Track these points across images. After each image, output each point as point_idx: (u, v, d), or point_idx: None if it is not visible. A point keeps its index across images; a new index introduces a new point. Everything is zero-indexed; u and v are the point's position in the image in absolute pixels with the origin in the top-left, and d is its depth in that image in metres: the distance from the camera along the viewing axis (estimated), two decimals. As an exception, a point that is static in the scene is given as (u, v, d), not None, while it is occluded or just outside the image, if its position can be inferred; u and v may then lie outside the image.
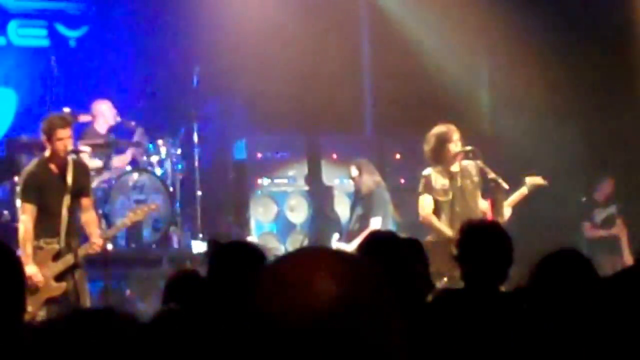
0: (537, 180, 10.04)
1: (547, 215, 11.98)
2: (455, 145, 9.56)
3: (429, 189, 9.56)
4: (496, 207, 9.73)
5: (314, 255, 1.70)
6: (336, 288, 1.63)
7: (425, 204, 9.57)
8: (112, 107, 11.90)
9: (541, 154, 12.50)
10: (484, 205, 9.75)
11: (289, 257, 1.72)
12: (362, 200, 11.17)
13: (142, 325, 3.91)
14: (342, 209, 12.24)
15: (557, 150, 12.69)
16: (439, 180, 9.56)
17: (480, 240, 4.96)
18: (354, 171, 11.23)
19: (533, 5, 12.76)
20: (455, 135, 9.59)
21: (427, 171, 9.64)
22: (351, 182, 11.48)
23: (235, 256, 4.74)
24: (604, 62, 12.72)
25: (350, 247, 10.76)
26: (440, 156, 9.56)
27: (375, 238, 5.13)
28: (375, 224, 10.81)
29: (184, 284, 5.19)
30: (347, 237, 11.16)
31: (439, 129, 9.65)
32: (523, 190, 9.93)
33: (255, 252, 4.86)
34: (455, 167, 9.63)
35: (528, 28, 12.54)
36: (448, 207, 9.51)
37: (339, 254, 1.71)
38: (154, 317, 4.68)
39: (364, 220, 11.02)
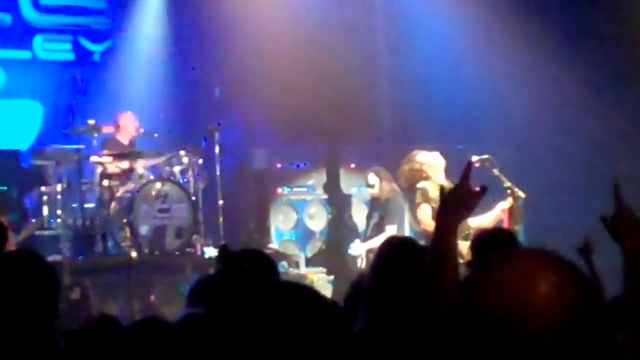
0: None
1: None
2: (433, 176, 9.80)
3: (427, 199, 9.73)
4: (513, 215, 9.85)
5: (537, 260, 1.63)
6: (560, 295, 1.58)
7: (425, 213, 9.73)
8: (134, 118, 12.07)
9: (559, 161, 12.55)
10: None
11: (507, 259, 1.66)
12: (379, 208, 11.21)
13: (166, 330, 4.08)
14: (360, 216, 12.27)
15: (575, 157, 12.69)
16: (434, 191, 9.71)
17: (494, 248, 5.13)
18: (373, 178, 11.27)
19: (554, 10, 12.82)
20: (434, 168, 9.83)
21: (422, 184, 9.82)
22: (368, 189, 11.54)
23: (246, 263, 4.94)
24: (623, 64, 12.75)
25: (365, 247, 10.92)
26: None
27: (394, 243, 5.21)
28: (391, 231, 10.91)
29: (207, 288, 5.36)
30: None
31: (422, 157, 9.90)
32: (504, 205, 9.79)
33: (266, 260, 5.06)
34: (444, 182, 9.72)
35: (547, 32, 12.54)
36: None
37: (560, 259, 1.65)
38: (176, 322, 4.85)
39: (380, 227, 11.10)
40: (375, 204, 11.27)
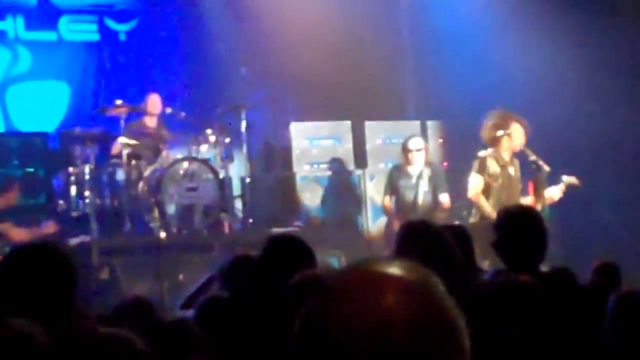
0: (572, 179, 10.01)
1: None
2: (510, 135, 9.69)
3: (483, 170, 9.68)
4: (537, 189, 9.82)
5: (385, 268, 1.56)
6: (408, 305, 1.51)
7: (476, 183, 9.68)
8: (159, 100, 12.04)
9: (585, 143, 12.47)
10: (526, 200, 9.75)
11: (355, 267, 1.59)
12: (424, 178, 11.15)
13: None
14: (379, 189, 12.17)
15: (600, 141, 12.58)
16: (492, 165, 9.67)
17: (518, 226, 5.04)
18: (419, 143, 11.23)
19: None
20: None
21: (483, 153, 9.75)
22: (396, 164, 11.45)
23: (286, 250, 4.95)
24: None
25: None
26: (496, 140, 9.68)
27: (412, 227, 5.09)
28: (444, 199, 10.93)
29: (239, 268, 5.39)
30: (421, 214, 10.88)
31: (500, 114, 9.77)
32: (561, 187, 9.91)
33: (304, 249, 5.06)
34: (506, 156, 9.74)
35: (577, 9, 12.51)
36: (496, 192, 9.59)
37: (410, 268, 1.57)
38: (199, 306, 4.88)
39: (432, 196, 11.06)
40: (420, 174, 11.12)
